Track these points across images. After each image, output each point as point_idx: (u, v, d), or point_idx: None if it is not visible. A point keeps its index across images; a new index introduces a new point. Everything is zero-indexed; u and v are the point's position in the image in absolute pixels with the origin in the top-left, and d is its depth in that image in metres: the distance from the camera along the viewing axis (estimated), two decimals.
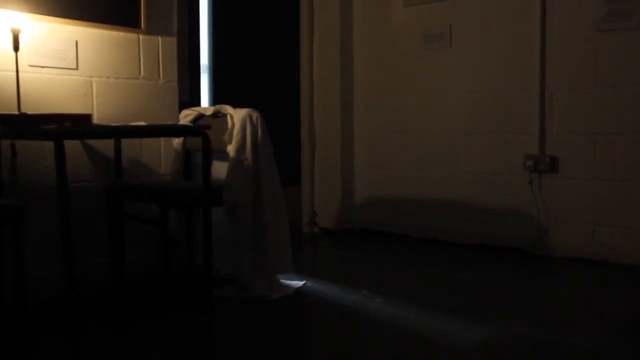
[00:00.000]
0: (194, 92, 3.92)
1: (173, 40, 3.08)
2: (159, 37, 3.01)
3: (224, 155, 2.73)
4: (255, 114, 2.67)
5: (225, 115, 2.77)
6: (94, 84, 2.78)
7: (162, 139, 3.02)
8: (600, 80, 3.25)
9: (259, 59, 4.34)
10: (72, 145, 2.60)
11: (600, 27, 3.22)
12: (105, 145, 2.79)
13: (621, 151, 3.20)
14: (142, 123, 2.78)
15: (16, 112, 2.41)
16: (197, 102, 3.90)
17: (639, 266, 3.01)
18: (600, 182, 3.28)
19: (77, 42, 2.72)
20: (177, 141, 3.01)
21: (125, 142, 2.81)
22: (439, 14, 3.79)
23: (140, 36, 2.94)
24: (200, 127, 2.51)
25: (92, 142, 2.77)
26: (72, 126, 2.19)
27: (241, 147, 2.63)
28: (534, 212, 3.48)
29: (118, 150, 2.78)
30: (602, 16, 3.21)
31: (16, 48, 2.41)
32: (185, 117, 3.00)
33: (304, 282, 2.86)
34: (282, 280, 2.77)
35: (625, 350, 2.05)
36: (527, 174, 3.48)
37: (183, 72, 3.55)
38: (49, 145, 2.37)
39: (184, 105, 3.21)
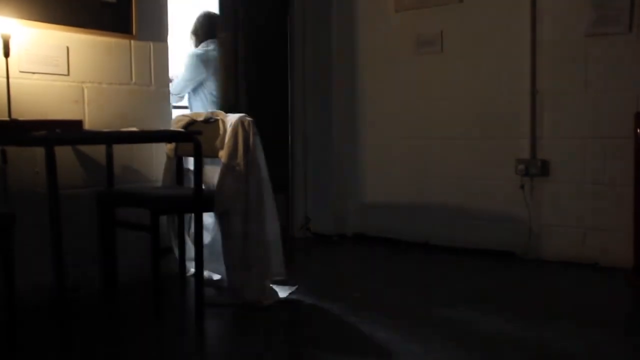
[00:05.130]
0: None
1: (165, 45, 3.08)
2: (151, 43, 3.01)
3: (217, 161, 2.72)
4: (247, 120, 2.67)
5: (217, 120, 2.77)
6: (85, 89, 2.78)
7: (153, 144, 3.02)
8: (590, 84, 3.27)
9: (251, 63, 4.34)
10: (63, 152, 2.60)
11: (590, 32, 3.25)
12: (97, 152, 2.78)
13: (611, 155, 3.22)
14: (134, 129, 2.79)
15: (6, 119, 2.40)
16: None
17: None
18: (591, 186, 3.30)
19: (68, 48, 2.71)
20: (169, 147, 3.01)
21: (117, 148, 2.81)
22: (430, 20, 3.80)
23: (132, 42, 2.94)
24: (191, 133, 2.51)
25: (84, 148, 2.76)
26: (63, 132, 2.19)
27: (233, 153, 2.63)
28: (525, 216, 3.49)
29: (110, 156, 2.78)
30: (591, 21, 3.24)
31: (6, 54, 2.41)
32: (178, 122, 3.00)
33: (296, 287, 2.86)
34: (274, 286, 2.76)
35: (615, 352, 2.07)
36: (518, 178, 3.50)
37: None
38: (39, 151, 2.36)
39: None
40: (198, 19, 3.63)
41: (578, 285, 2.94)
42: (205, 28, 3.61)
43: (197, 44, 3.61)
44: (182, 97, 3.63)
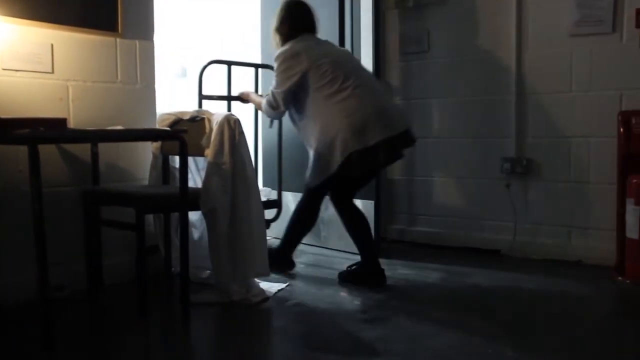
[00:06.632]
0: None
1: (151, 44, 3.07)
2: (137, 41, 3.00)
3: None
4: (233, 118, 2.67)
5: (203, 119, 2.77)
6: (70, 87, 2.76)
7: (139, 143, 3.00)
8: (574, 84, 3.30)
9: None
10: (48, 150, 2.58)
11: (575, 32, 3.28)
12: (82, 150, 2.77)
13: (595, 154, 3.26)
14: (119, 127, 2.77)
15: None
16: None
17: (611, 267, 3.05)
18: (575, 184, 3.34)
19: (52, 46, 2.69)
20: (155, 145, 3.00)
21: (102, 147, 2.79)
22: (417, 19, 3.81)
23: (118, 40, 2.92)
24: (177, 132, 2.50)
25: (69, 147, 2.74)
26: (47, 130, 2.17)
27: (219, 152, 2.62)
28: (511, 214, 3.52)
29: (95, 154, 2.76)
30: (576, 21, 3.27)
31: None
32: (163, 121, 2.99)
33: (287, 284, 2.86)
34: (262, 284, 2.76)
35: (597, 349, 2.09)
36: (504, 177, 3.52)
37: None
38: (23, 149, 2.34)
39: None
40: (281, 12, 2.96)
41: (562, 283, 2.97)
42: (291, 23, 2.93)
43: (282, 43, 2.93)
44: (281, 113, 2.97)
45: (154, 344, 2.27)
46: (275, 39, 2.98)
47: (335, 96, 2.77)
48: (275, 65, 2.88)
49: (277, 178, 3.65)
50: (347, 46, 3.55)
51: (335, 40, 3.52)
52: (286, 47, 2.87)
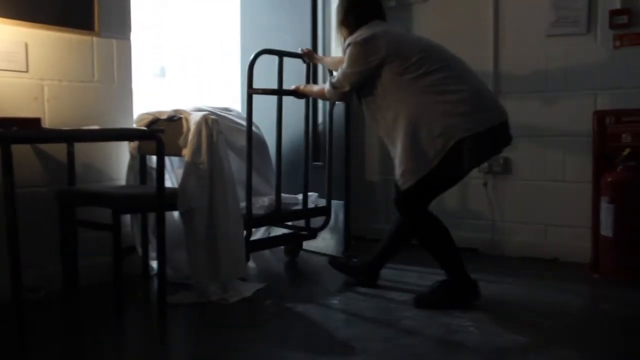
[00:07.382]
0: None
1: (128, 43, 3.05)
2: (114, 40, 2.97)
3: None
4: (211, 118, 2.66)
5: (180, 119, 2.75)
6: (45, 87, 2.73)
7: (116, 143, 2.98)
8: (550, 84, 3.35)
9: None
10: (23, 150, 2.55)
11: (550, 33, 3.32)
12: (58, 150, 2.74)
13: (570, 153, 3.31)
14: (96, 127, 2.75)
15: None
16: None
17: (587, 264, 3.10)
18: (551, 183, 3.38)
19: (27, 44, 2.66)
20: (132, 145, 2.98)
21: (79, 147, 2.76)
22: (397, 20, 3.83)
23: (94, 39, 2.90)
24: (154, 131, 2.49)
25: (44, 147, 2.71)
26: (20, 130, 2.15)
27: (196, 151, 2.62)
28: (488, 213, 3.55)
29: (71, 154, 2.73)
30: (551, 22, 3.32)
31: None
32: (141, 120, 2.97)
33: (264, 284, 2.86)
34: (240, 284, 2.76)
35: (568, 345, 2.12)
36: (481, 176, 3.56)
37: None
38: None
39: None
40: (344, 2, 2.65)
41: (538, 280, 3.00)
42: (358, 11, 2.61)
43: (349, 34, 2.59)
44: (343, 95, 2.64)
45: (130, 345, 2.25)
46: (341, 33, 2.65)
47: (424, 78, 2.38)
48: (347, 52, 2.52)
49: (327, 183, 3.30)
50: (323, 46, 3.56)
51: (307, 40, 3.54)
52: (358, 33, 2.52)
